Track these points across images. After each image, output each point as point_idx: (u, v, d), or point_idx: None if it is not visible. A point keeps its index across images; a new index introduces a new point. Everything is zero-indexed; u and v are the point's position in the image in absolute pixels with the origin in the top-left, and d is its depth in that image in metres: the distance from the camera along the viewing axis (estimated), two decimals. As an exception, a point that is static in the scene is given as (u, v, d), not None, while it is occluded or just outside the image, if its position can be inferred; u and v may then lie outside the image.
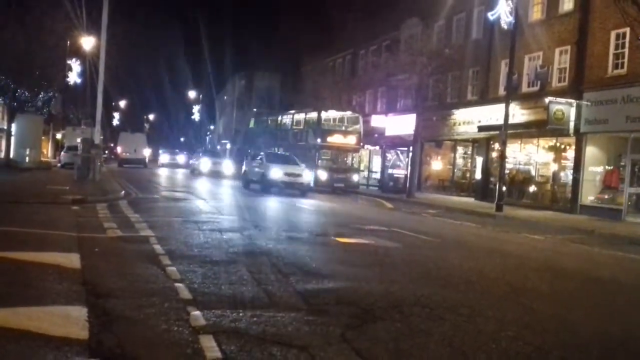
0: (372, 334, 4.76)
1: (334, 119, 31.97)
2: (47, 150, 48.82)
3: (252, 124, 40.71)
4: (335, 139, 29.42)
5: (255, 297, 5.65)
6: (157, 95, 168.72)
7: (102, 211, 12.34)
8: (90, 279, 5.93)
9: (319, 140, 28.98)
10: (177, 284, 5.90)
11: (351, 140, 29.98)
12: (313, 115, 30.83)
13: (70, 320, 4.54)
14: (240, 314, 4.99)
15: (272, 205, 18.61)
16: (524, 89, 24.96)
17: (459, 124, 28.98)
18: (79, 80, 47.84)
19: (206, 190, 24.01)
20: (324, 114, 30.67)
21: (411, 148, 29.75)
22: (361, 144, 31.19)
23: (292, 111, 33.85)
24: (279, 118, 35.76)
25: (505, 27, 22.63)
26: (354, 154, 30.43)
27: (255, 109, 57.59)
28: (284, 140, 33.01)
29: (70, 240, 8.25)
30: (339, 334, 4.66)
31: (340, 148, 29.55)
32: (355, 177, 29.78)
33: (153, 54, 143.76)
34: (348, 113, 33.17)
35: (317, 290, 6.07)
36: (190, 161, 46.49)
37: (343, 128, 31.09)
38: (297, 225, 12.96)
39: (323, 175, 28.38)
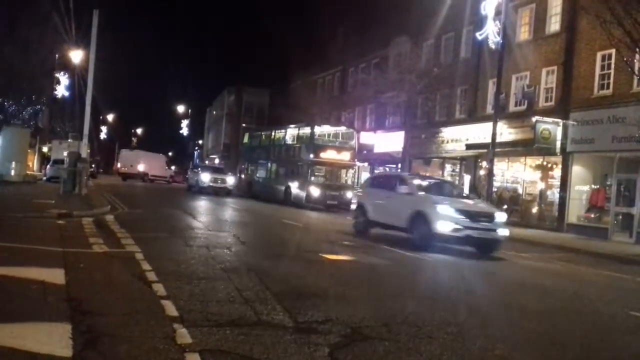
0: (360, 353, 4.72)
1: (328, 135, 31.33)
2: (33, 163, 48.38)
3: (246, 139, 40.15)
4: (328, 155, 28.62)
5: (242, 314, 5.58)
6: (145, 109, 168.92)
7: (88, 226, 12.20)
8: (74, 295, 5.83)
9: (311, 156, 28.21)
10: (163, 301, 5.81)
11: (345, 156, 29.15)
12: (306, 130, 30.22)
13: (53, 337, 4.45)
14: (227, 332, 4.92)
15: (258, 220, 18.54)
16: (512, 108, 25.24)
17: (447, 142, 29.18)
18: (66, 94, 47.70)
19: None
20: (317, 129, 30.01)
21: (400, 165, 29.85)
22: (355, 160, 30.49)
23: (292, 125, 33.03)
24: (273, 133, 35.23)
25: (493, 47, 22.96)
26: (348, 171, 29.53)
27: (244, 125, 57.75)
28: (277, 155, 32.52)
29: (55, 255, 8.13)
30: (327, 353, 4.62)
31: (334, 164, 28.65)
32: (349, 194, 28.76)
33: (142, 68, 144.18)
34: (342, 128, 32.49)
35: (305, 308, 6.02)
36: (354, 196, 24.83)
37: (337, 144, 30.38)
38: (284, 242, 12.89)
39: (315, 192, 27.52)
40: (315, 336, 5.04)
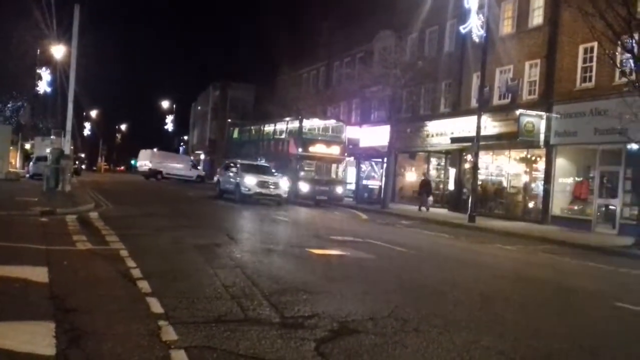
0: (347, 347, 4.72)
1: (318, 128, 30.78)
2: (16, 161, 47.80)
3: (235, 134, 39.43)
4: (317, 149, 28.08)
5: (228, 310, 5.57)
6: (129, 105, 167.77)
7: (72, 223, 12.09)
8: (58, 293, 5.78)
9: (300, 149, 27.68)
10: (148, 298, 5.78)
11: (335, 150, 28.60)
12: (295, 124, 29.59)
13: (36, 336, 4.41)
14: (213, 328, 4.91)
15: (248, 217, 18.50)
16: (496, 101, 25.37)
17: (432, 136, 29.27)
18: (49, 90, 47.13)
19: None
20: (306, 123, 29.48)
21: (385, 159, 29.86)
22: (345, 154, 29.87)
23: (287, 119, 32.06)
24: (262, 127, 34.45)
25: (477, 40, 23.04)
26: (338, 165, 28.78)
27: (229, 120, 57.49)
28: (266, 150, 31.82)
29: (38, 253, 8.05)
30: (314, 348, 4.62)
31: (323, 158, 28.07)
32: (339, 189, 28.24)
33: (125, 63, 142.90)
34: (332, 122, 32.05)
35: (292, 303, 6.02)
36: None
37: (326, 137, 29.76)
38: (272, 237, 12.87)
39: (304, 187, 27.06)
40: (302, 331, 5.04)
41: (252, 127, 36.88)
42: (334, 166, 28.76)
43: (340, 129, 30.56)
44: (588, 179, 21.28)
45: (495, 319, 6.20)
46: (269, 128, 33.10)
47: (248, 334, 4.83)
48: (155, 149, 58.15)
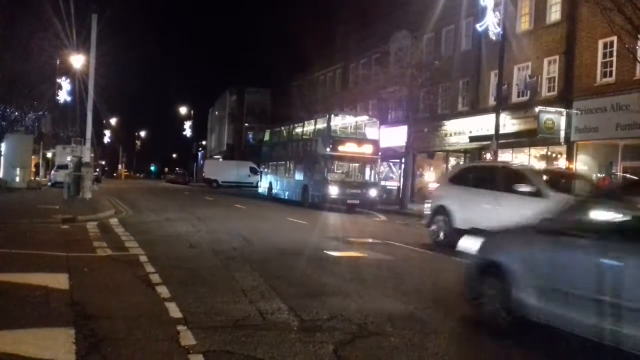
0: (366, 350, 4.69)
1: (350, 126, 29.07)
2: (38, 169, 48.52)
3: (266, 137, 38.01)
4: (347, 148, 25.89)
5: (247, 314, 5.56)
6: (148, 111, 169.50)
7: (92, 230, 12.21)
8: (78, 299, 5.83)
9: (328, 150, 25.56)
10: (167, 303, 5.81)
11: (367, 149, 26.24)
12: (325, 122, 27.47)
13: (57, 342, 4.44)
14: (232, 333, 4.90)
15: (266, 219, 18.53)
16: (514, 99, 25.11)
17: (451, 135, 29.08)
18: (68, 99, 47.77)
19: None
20: (335, 120, 27.60)
21: (403, 160, 29.67)
22: (379, 153, 27.54)
23: (328, 114, 28.63)
24: (291, 129, 32.39)
25: (494, 38, 22.81)
26: (371, 165, 26.32)
27: (246, 124, 57.69)
28: (295, 152, 30.21)
29: (59, 260, 8.14)
30: (332, 351, 4.59)
31: (355, 158, 25.98)
32: (373, 192, 25.62)
33: (144, 71, 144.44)
34: (364, 118, 29.91)
35: (310, 306, 5.99)
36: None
37: (357, 135, 27.83)
38: (288, 239, 12.85)
39: (334, 190, 24.67)
40: (320, 334, 5.02)
41: (283, 129, 34.54)
42: (366, 167, 26.51)
43: (372, 126, 28.46)
44: (610, 175, 20.94)
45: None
46: (298, 129, 31.26)
47: (266, 337, 4.82)
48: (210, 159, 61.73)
